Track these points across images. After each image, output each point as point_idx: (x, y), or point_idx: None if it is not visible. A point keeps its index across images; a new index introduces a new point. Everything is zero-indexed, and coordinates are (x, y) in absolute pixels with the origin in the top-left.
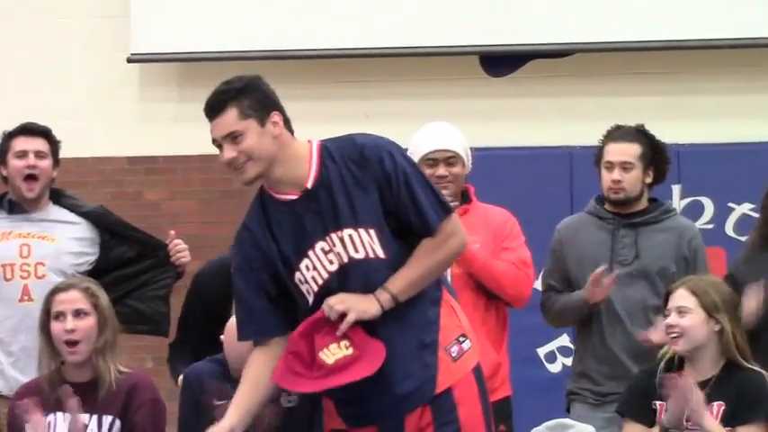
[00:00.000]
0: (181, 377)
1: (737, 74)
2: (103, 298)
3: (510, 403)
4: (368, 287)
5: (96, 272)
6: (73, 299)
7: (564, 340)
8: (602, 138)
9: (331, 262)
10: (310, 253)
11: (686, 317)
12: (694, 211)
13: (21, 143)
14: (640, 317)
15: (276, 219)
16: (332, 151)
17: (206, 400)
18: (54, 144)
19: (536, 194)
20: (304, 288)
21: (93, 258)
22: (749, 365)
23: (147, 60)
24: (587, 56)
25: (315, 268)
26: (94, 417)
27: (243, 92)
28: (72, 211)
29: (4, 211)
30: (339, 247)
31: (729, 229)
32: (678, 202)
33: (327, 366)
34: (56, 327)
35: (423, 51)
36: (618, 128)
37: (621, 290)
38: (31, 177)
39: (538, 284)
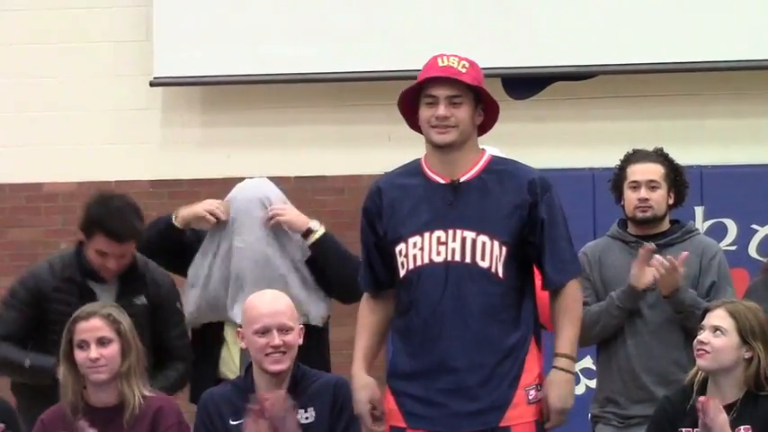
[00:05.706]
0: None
1: (761, 95)
2: (126, 322)
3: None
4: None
5: None
6: (95, 327)
7: (587, 362)
8: (620, 161)
9: (438, 253)
10: (426, 234)
11: (720, 337)
12: (717, 232)
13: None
14: (666, 339)
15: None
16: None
17: (222, 420)
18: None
19: None
20: (400, 260)
21: None
22: None
23: (170, 84)
24: (609, 78)
25: (422, 248)
26: None
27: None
28: None
29: None
30: (457, 245)
31: (753, 250)
32: (701, 224)
33: None
34: (80, 355)
35: None
36: (637, 151)
37: (648, 312)
38: None
39: None
